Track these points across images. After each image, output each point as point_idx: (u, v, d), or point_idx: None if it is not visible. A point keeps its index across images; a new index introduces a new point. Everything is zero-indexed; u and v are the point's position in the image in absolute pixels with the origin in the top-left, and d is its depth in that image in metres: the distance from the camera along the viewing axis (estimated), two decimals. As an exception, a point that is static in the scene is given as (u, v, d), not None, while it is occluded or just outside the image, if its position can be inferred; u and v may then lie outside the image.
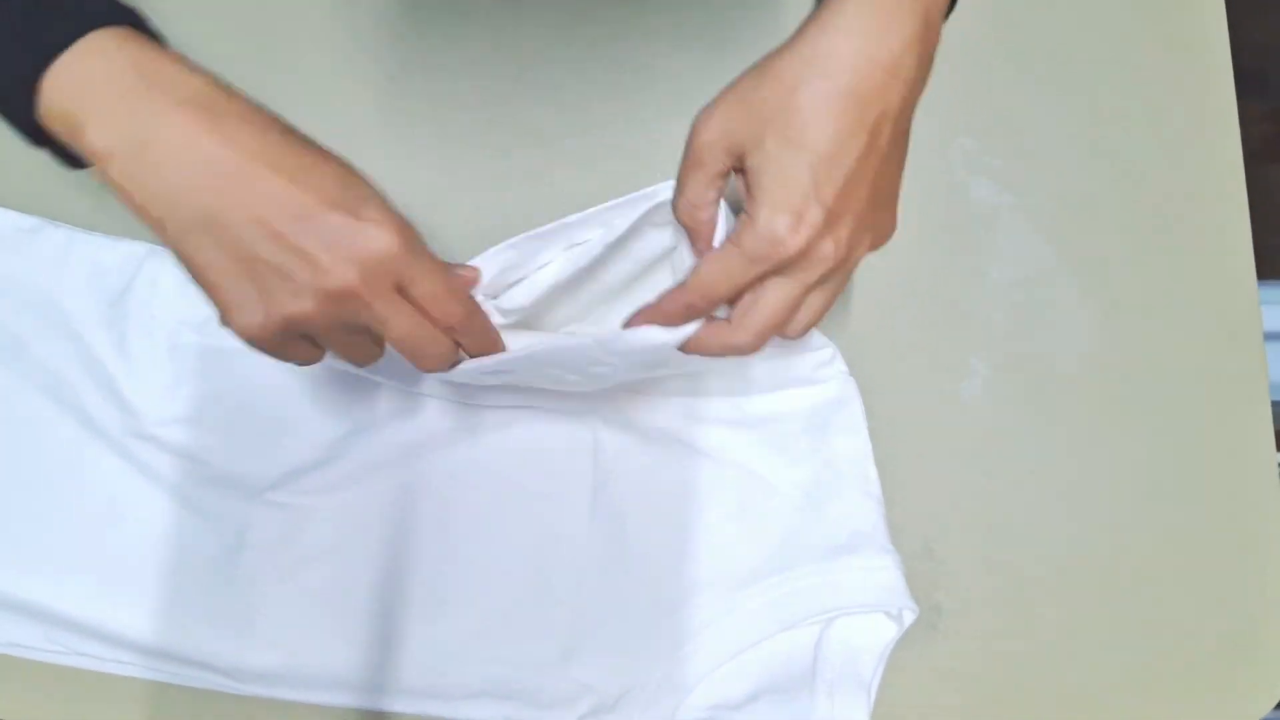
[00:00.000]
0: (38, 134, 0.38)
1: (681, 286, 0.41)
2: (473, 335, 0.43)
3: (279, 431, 0.54)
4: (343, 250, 0.37)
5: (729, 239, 0.39)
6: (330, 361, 0.43)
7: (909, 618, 0.50)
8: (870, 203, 0.39)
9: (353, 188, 0.38)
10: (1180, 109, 0.60)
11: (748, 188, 0.39)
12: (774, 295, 0.40)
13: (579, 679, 0.50)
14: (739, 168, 0.39)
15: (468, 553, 0.52)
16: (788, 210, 0.37)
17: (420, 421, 0.54)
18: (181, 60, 0.38)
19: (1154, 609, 0.53)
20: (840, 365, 0.54)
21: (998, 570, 0.54)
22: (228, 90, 0.38)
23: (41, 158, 0.41)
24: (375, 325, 0.39)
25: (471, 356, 0.44)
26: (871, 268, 0.56)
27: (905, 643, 0.51)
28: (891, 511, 0.53)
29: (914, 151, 0.58)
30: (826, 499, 0.52)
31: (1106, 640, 0.53)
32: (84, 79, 0.36)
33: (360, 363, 0.42)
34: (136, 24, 0.38)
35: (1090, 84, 0.60)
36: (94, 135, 0.36)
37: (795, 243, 0.37)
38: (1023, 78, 0.60)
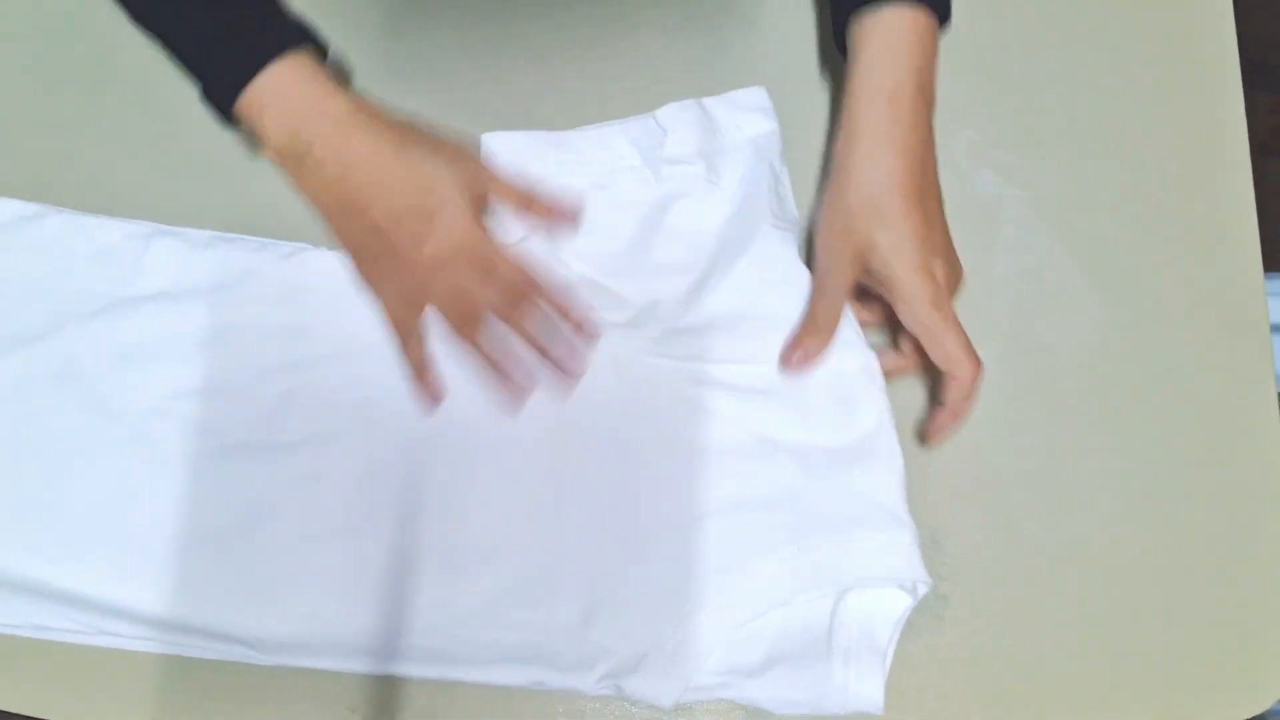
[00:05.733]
0: (231, 122, 0.52)
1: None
2: (543, 291, 0.53)
3: (293, 401, 0.54)
4: (432, 242, 0.52)
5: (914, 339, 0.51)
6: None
7: (923, 589, 0.50)
8: (946, 242, 0.52)
9: (433, 193, 0.52)
10: (1186, 101, 0.60)
11: (882, 284, 0.50)
12: (955, 328, 0.51)
13: (598, 642, 0.51)
14: (862, 276, 0.51)
15: (485, 519, 0.52)
16: (922, 278, 0.49)
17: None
18: (333, 86, 0.52)
19: (1158, 600, 0.53)
20: (862, 338, 0.54)
21: (1003, 562, 0.54)
22: (364, 109, 0.52)
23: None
24: (458, 291, 0.52)
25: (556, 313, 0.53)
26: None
27: (911, 633, 0.51)
28: (898, 503, 0.53)
29: (919, 144, 0.58)
30: (846, 470, 0.52)
31: (1111, 632, 0.53)
32: (268, 98, 0.51)
33: (462, 328, 0.53)
34: (313, 42, 0.53)
35: (1095, 75, 0.60)
36: (272, 141, 0.52)
37: (939, 290, 0.50)
38: (1028, 70, 0.60)
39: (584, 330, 0.54)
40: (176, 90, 0.59)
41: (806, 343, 0.53)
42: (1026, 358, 0.56)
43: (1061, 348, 0.57)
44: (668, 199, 0.56)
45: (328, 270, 0.56)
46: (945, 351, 0.50)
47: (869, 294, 0.53)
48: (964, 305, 0.56)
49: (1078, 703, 0.52)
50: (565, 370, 0.53)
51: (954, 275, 0.51)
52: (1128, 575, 0.54)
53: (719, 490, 0.52)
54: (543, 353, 0.53)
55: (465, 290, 0.52)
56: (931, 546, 0.53)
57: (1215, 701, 0.52)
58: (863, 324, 0.54)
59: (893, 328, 0.55)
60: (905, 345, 0.53)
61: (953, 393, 0.51)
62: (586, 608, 0.51)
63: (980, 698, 0.52)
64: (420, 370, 0.53)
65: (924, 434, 0.53)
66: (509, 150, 0.57)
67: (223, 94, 0.51)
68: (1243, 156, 0.59)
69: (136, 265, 0.56)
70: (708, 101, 0.58)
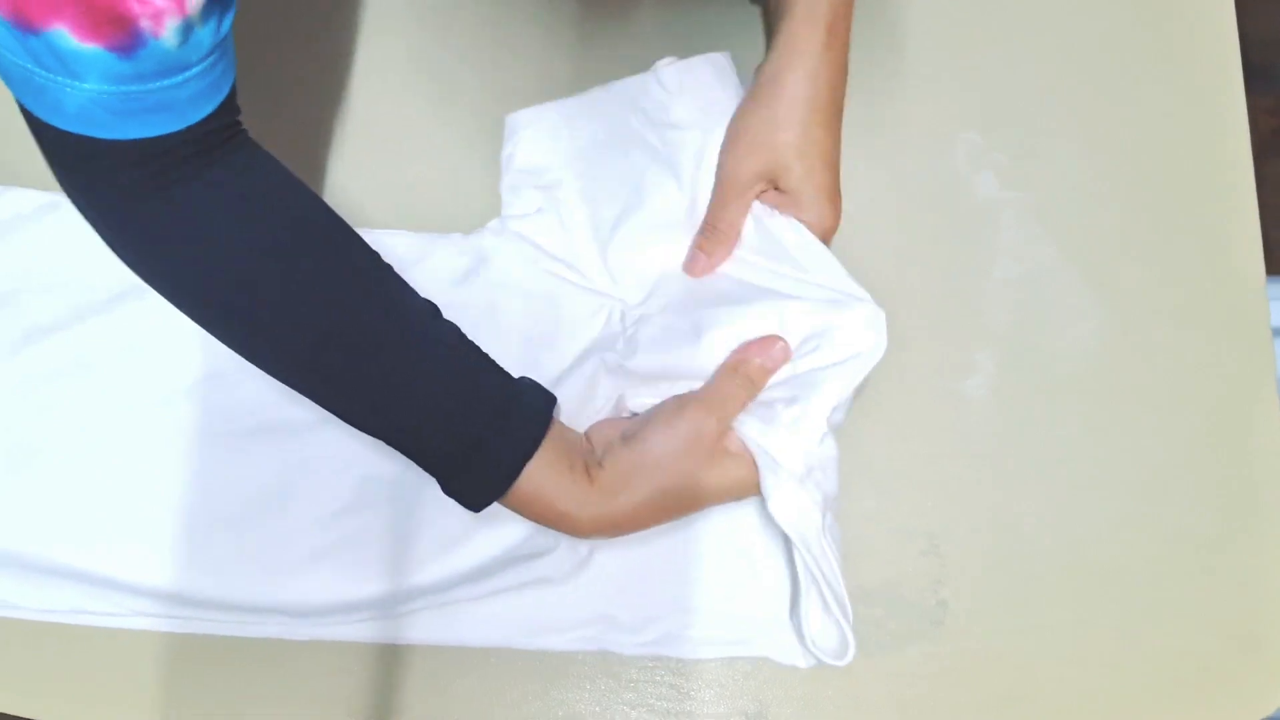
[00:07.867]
0: (483, 506, 0.48)
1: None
2: None
3: None
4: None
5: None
6: None
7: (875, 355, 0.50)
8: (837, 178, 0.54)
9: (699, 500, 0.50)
10: (1188, 103, 0.60)
11: (790, 202, 0.52)
12: None
13: (605, 609, 0.52)
14: (766, 189, 0.53)
15: None
16: (830, 206, 0.52)
17: None
18: (569, 433, 0.50)
19: (1159, 605, 0.53)
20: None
21: (1003, 567, 0.53)
22: (604, 477, 0.49)
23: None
24: None
25: None
26: (877, 263, 0.56)
27: (910, 639, 0.51)
28: (897, 509, 0.53)
29: (919, 146, 0.58)
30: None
31: (1112, 637, 0.53)
32: (543, 473, 0.48)
33: None
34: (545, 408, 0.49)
35: (1096, 78, 0.60)
36: (568, 509, 0.48)
37: (838, 221, 0.53)
38: (1028, 72, 0.60)
39: None
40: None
41: (709, 249, 0.54)
42: (1026, 362, 0.56)
43: (1061, 351, 0.56)
44: (671, 163, 0.56)
45: None
46: None
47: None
48: (963, 309, 0.56)
49: (1078, 710, 0.52)
50: None
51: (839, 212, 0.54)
52: (1128, 581, 0.53)
53: None
54: None
55: None
56: (930, 552, 0.53)
57: (1216, 708, 0.52)
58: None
59: None
60: None
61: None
62: (594, 574, 0.53)
63: (980, 704, 0.52)
64: None
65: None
66: (532, 124, 0.57)
67: (473, 502, 0.48)
68: (1245, 159, 0.59)
69: None
70: (709, 58, 0.57)
